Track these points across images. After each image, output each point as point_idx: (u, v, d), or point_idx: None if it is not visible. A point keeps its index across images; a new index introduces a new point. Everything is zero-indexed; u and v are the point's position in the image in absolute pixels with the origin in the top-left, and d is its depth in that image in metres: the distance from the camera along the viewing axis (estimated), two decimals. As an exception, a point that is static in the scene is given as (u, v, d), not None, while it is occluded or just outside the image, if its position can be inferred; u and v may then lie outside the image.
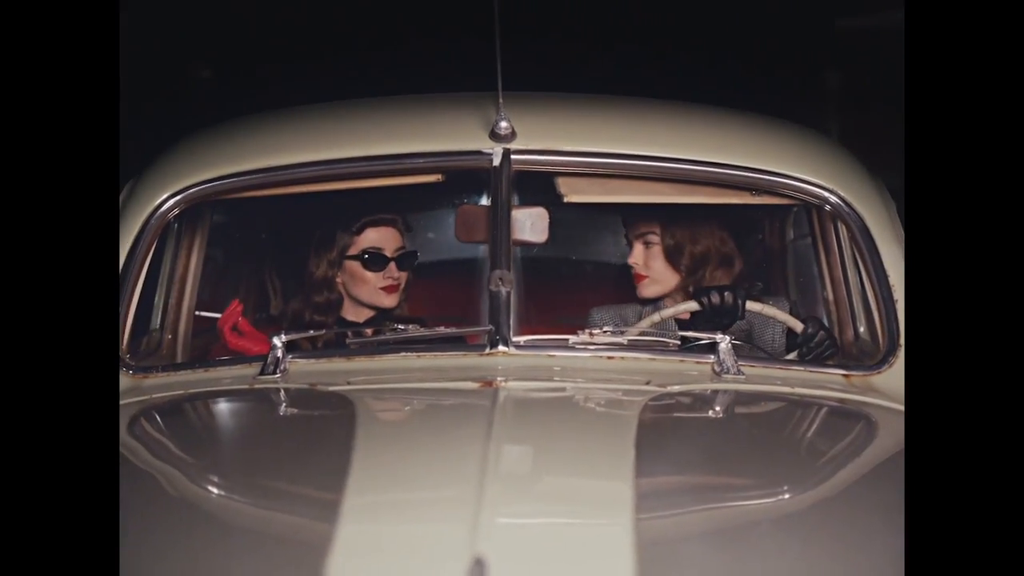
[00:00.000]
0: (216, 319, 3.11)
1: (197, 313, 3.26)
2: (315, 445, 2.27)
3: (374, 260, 3.27)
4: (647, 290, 3.19)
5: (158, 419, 2.63)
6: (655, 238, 3.18)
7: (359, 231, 3.28)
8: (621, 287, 3.43)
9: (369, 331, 3.16)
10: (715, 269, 3.19)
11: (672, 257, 3.17)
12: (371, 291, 3.29)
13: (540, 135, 2.86)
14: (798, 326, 2.95)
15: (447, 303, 3.50)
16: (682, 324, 3.09)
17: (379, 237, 3.29)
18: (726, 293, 2.92)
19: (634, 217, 3.22)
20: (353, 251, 3.28)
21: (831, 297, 3.16)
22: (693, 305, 2.96)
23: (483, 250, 2.87)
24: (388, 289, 3.28)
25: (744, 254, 3.30)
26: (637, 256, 3.19)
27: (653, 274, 3.19)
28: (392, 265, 3.28)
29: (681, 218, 3.16)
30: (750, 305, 2.95)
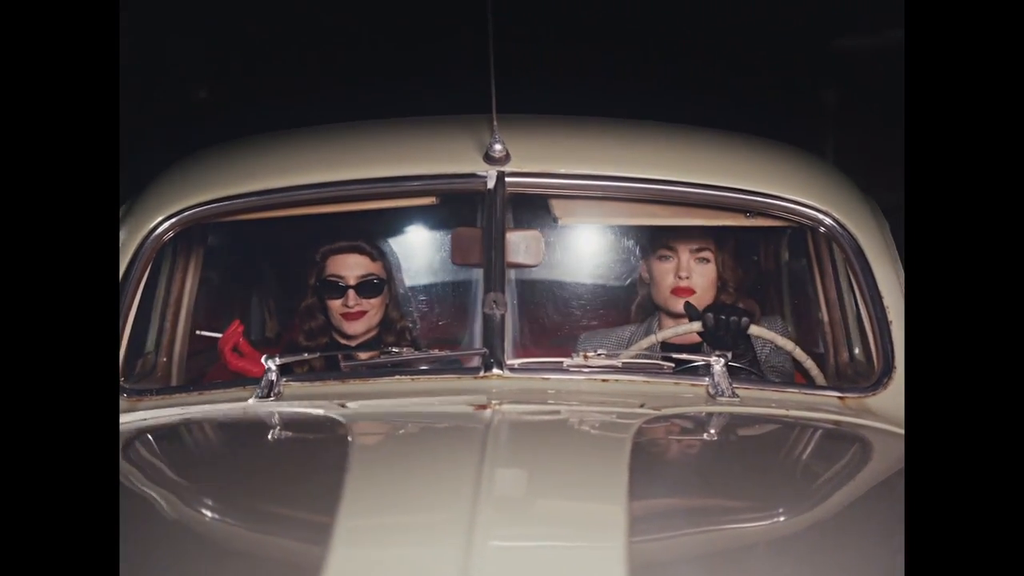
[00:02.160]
0: (216, 339, 3.11)
1: (198, 333, 3.25)
2: (309, 468, 2.27)
3: (331, 288, 3.23)
4: (682, 305, 3.08)
5: (153, 442, 2.63)
6: (710, 255, 3.14)
7: (322, 259, 3.25)
8: (616, 309, 3.43)
9: (364, 355, 3.15)
10: (741, 297, 3.18)
11: (723, 279, 3.14)
12: (335, 318, 3.26)
13: (534, 158, 2.85)
14: (799, 353, 2.94)
15: (441, 326, 3.50)
16: (678, 347, 3.08)
17: (340, 264, 3.24)
18: (733, 317, 2.88)
19: (682, 230, 3.13)
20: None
21: (826, 319, 3.16)
22: (696, 326, 2.94)
23: (477, 273, 2.87)
24: (348, 316, 3.23)
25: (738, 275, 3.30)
26: (687, 268, 3.12)
27: (700, 291, 3.13)
28: (350, 293, 3.22)
29: (728, 241, 3.13)
30: (754, 330, 2.93)
